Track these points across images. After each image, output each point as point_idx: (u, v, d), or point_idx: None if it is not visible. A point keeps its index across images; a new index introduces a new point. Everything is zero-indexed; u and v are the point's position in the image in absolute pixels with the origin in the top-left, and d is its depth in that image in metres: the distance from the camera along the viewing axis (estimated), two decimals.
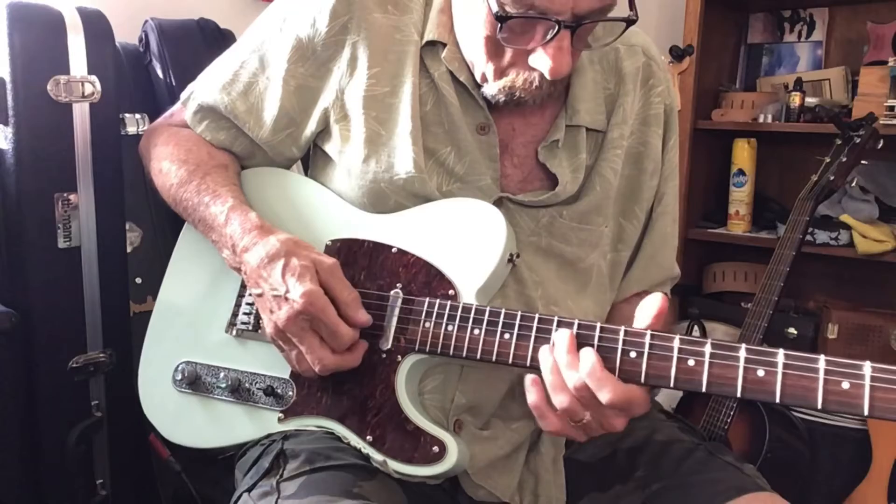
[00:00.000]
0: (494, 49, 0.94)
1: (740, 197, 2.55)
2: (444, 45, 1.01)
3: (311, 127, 1.06)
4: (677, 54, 2.30)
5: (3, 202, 1.29)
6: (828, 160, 1.94)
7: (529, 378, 0.85)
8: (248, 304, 1.06)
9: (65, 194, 1.30)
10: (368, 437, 0.95)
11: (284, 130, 1.08)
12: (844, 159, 1.91)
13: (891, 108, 2.20)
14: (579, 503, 1.02)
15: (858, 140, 1.90)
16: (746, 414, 1.86)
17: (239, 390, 1.03)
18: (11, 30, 1.23)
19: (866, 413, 0.71)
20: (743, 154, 2.53)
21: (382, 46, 1.02)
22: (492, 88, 0.97)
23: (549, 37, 0.88)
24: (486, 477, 1.01)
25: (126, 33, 1.53)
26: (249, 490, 0.93)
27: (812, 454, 1.98)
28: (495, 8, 0.88)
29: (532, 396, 0.85)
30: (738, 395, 0.77)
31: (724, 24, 2.72)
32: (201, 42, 1.60)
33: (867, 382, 0.71)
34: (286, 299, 0.91)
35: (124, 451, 1.42)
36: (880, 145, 1.93)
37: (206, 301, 1.09)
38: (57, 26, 1.27)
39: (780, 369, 0.75)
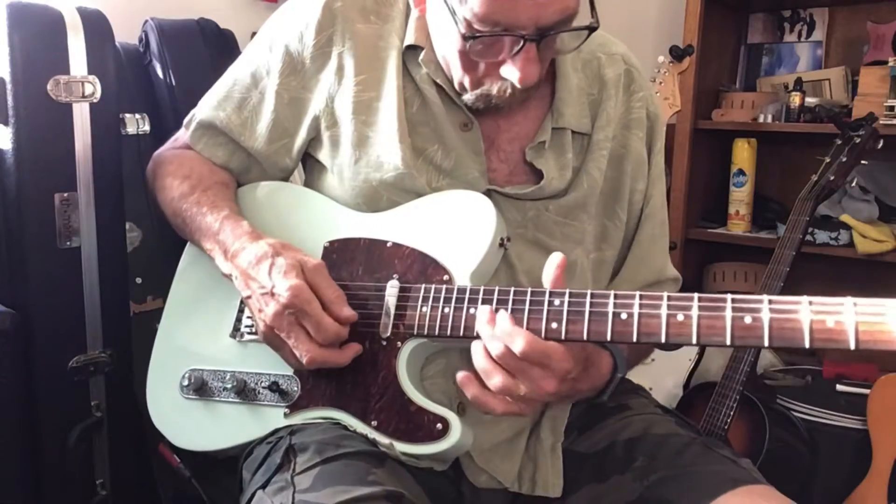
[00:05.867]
0: (468, 62, 0.99)
1: (740, 197, 2.55)
2: (423, 48, 1.06)
3: (302, 136, 1.12)
4: (677, 54, 2.30)
5: (3, 202, 1.29)
6: (828, 160, 1.94)
7: (460, 375, 0.88)
8: None
9: (65, 194, 1.30)
10: (373, 422, 0.97)
11: (279, 141, 1.13)
12: (844, 159, 1.91)
13: (891, 108, 2.20)
14: (577, 494, 1.03)
15: (858, 140, 1.90)
16: (746, 414, 1.87)
17: (245, 391, 1.05)
18: (11, 30, 1.23)
19: (853, 346, 0.73)
20: (743, 154, 2.53)
21: (367, 54, 1.08)
22: (470, 97, 1.03)
23: (515, 50, 0.93)
24: (488, 461, 1.03)
25: (126, 33, 1.53)
26: (263, 486, 0.94)
27: (812, 454, 1.98)
28: (463, 29, 0.93)
29: (470, 391, 0.87)
30: (728, 342, 0.78)
31: (724, 24, 2.72)
32: (201, 42, 1.60)
33: (851, 318, 0.73)
34: (273, 295, 0.95)
35: (124, 451, 1.42)
36: (880, 145, 1.93)
37: (212, 308, 1.11)
38: (57, 26, 1.27)
39: (766, 314, 0.76)
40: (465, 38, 0.93)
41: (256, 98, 1.13)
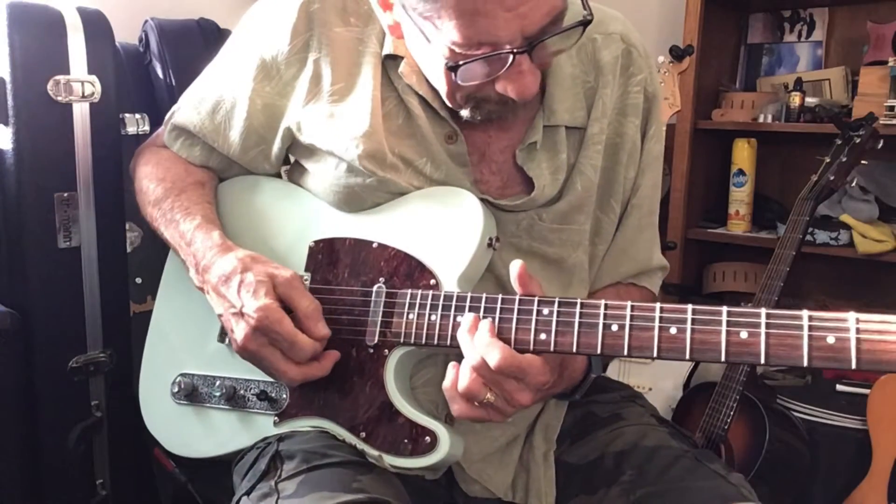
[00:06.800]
0: (458, 84, 0.91)
1: (740, 197, 2.54)
2: (402, 58, 1.00)
3: (278, 144, 1.07)
4: (677, 54, 2.30)
5: (3, 202, 1.29)
6: (828, 160, 1.93)
7: (450, 364, 0.87)
8: None
9: (65, 194, 1.30)
10: (362, 433, 0.96)
11: (255, 148, 1.09)
12: (844, 159, 1.90)
13: (891, 108, 2.20)
14: None
15: (858, 140, 1.90)
16: (746, 414, 1.86)
17: (234, 398, 1.04)
18: (11, 30, 1.23)
19: (854, 366, 0.70)
20: (743, 154, 2.53)
21: (345, 60, 1.02)
22: (466, 112, 0.96)
23: (506, 67, 0.86)
24: (480, 472, 1.01)
25: (126, 33, 1.53)
26: (248, 493, 0.93)
27: (812, 454, 1.98)
28: (445, 59, 0.87)
29: (445, 382, 0.87)
30: (723, 359, 0.76)
31: (724, 24, 2.72)
32: (201, 42, 1.60)
33: (853, 335, 0.70)
34: (242, 315, 0.92)
35: (124, 451, 1.42)
36: (880, 145, 1.93)
37: (200, 313, 1.08)
38: (57, 26, 1.27)
39: (763, 329, 0.74)
40: (449, 68, 0.87)
41: (229, 103, 1.07)
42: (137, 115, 1.48)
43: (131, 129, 1.47)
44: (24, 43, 1.24)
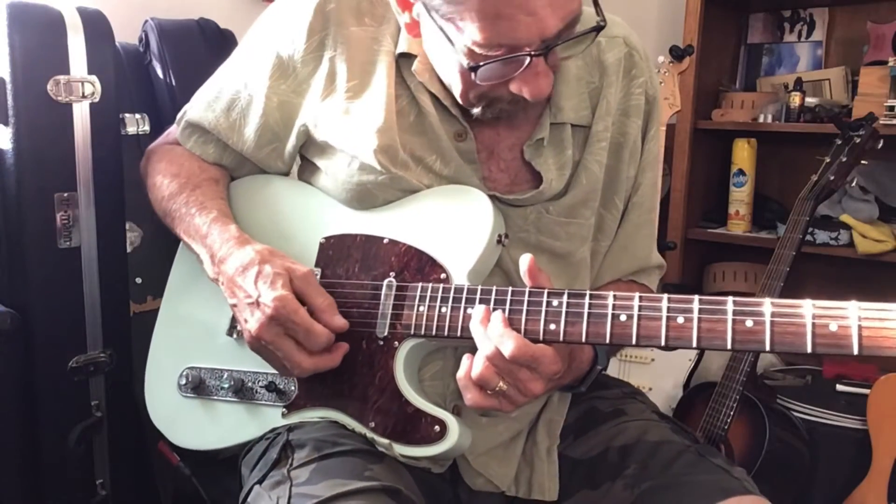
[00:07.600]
0: (473, 84, 0.94)
1: (740, 197, 2.55)
2: (416, 56, 1.02)
3: (292, 141, 1.09)
4: (677, 54, 2.29)
5: (3, 202, 1.29)
6: (828, 160, 1.94)
7: (465, 355, 0.89)
8: None
9: (65, 194, 1.30)
10: (371, 423, 0.97)
11: (269, 145, 1.10)
12: (844, 159, 1.91)
13: (891, 108, 2.20)
14: (572, 499, 1.03)
15: (858, 140, 1.90)
16: (746, 414, 1.87)
17: (242, 390, 1.05)
18: (11, 30, 1.23)
19: (856, 352, 0.73)
20: (743, 154, 2.53)
21: (360, 59, 1.04)
22: (477, 111, 0.98)
23: (522, 68, 0.89)
24: (484, 465, 1.03)
25: (126, 33, 1.53)
26: (260, 482, 0.94)
27: (812, 454, 1.98)
28: (465, 59, 0.89)
29: (459, 372, 0.88)
30: (729, 346, 0.78)
31: (724, 24, 2.72)
32: (201, 42, 1.60)
33: (854, 323, 0.73)
34: (258, 304, 0.93)
35: (124, 451, 1.42)
36: (880, 145, 1.93)
37: (208, 306, 1.10)
38: (57, 26, 1.27)
39: (767, 318, 0.76)
40: (469, 69, 0.89)
41: (245, 100, 1.09)
42: (137, 115, 1.48)
43: (131, 129, 1.47)
44: (24, 43, 1.24)
